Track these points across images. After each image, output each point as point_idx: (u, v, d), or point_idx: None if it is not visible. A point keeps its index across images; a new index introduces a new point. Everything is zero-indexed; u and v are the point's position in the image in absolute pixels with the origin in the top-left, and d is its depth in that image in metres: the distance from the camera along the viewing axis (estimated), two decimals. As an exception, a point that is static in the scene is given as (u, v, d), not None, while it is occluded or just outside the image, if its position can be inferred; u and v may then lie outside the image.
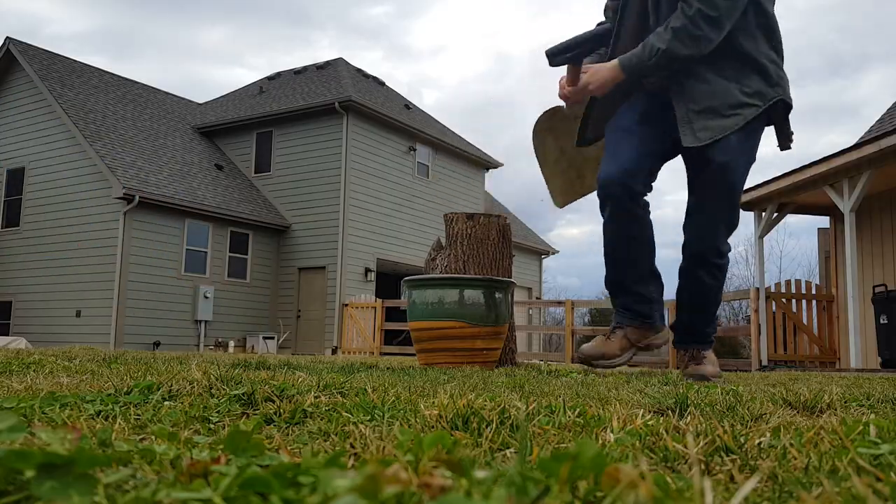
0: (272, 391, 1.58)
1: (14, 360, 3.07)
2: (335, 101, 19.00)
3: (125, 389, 1.57)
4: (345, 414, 1.39)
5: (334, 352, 17.68)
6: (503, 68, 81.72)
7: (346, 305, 17.78)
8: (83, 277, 16.82)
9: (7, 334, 17.03)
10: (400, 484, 0.46)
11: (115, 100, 20.03)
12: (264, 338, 18.30)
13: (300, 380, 1.94)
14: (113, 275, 16.30)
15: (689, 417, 1.81)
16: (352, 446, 1.01)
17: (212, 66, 77.90)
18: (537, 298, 26.53)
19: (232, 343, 17.97)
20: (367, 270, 19.38)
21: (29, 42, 19.53)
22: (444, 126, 23.94)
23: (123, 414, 1.28)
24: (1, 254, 18.55)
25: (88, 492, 0.49)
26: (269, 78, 24.29)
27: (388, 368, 4.17)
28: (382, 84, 24.18)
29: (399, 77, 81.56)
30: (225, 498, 0.50)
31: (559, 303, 16.12)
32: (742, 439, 1.33)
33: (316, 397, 1.58)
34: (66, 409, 1.30)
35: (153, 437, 0.96)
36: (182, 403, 1.43)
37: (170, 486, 0.52)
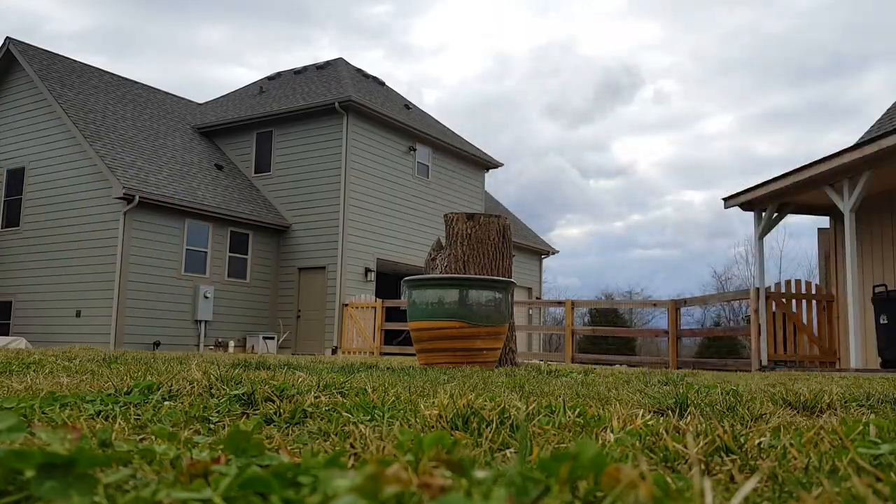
0: (272, 391, 1.58)
1: (14, 360, 3.07)
2: (335, 101, 19.00)
3: (125, 389, 1.57)
4: (345, 414, 1.39)
5: (334, 352, 17.68)
6: (503, 68, 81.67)
7: (346, 305, 17.78)
8: (83, 277, 16.82)
9: (7, 334, 17.02)
10: (400, 484, 0.46)
11: (115, 100, 20.03)
12: (264, 338, 18.30)
13: (300, 380, 1.94)
14: (113, 275, 16.29)
15: (689, 417, 1.81)
16: (352, 446, 1.01)
17: (212, 65, 77.86)
18: (537, 298, 26.52)
19: (232, 343, 17.96)
20: (367, 270, 19.38)
21: (28, 40, 19.52)
22: (444, 126, 23.94)
23: (123, 414, 1.28)
24: (1, 254, 18.55)
25: (88, 492, 0.49)
26: (269, 78, 24.29)
27: (388, 368, 4.18)
28: (382, 84, 24.18)
29: (399, 76, 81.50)
30: (225, 498, 0.50)
31: (559, 303, 16.12)
32: (742, 439, 1.34)
33: (316, 397, 1.58)
34: (66, 409, 1.30)
35: (153, 437, 0.96)
36: (182, 403, 1.43)
37: (170, 486, 0.52)
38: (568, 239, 65.61)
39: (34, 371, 2.47)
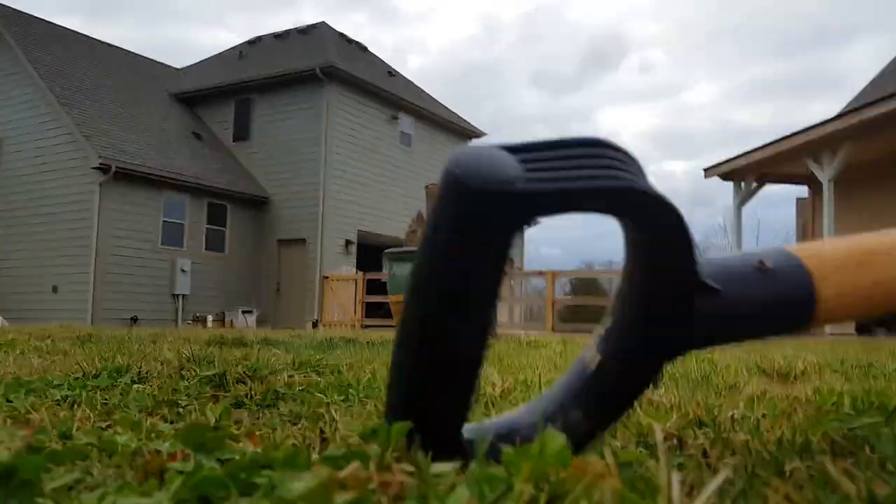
0: (244, 372, 1.56)
1: (-15, 340, 3.02)
2: (317, 67, 18.69)
3: (94, 373, 1.54)
4: (318, 395, 1.37)
5: (315, 325, 17.66)
6: (490, 34, 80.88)
7: (327, 278, 17.73)
8: (60, 251, 16.59)
9: (-17, 310, 16.81)
10: (355, 490, 0.44)
11: (93, 65, 19.52)
12: (243, 312, 18.20)
13: (274, 358, 1.92)
14: (89, 249, 16.08)
15: (663, 390, 1.82)
16: (322, 431, 1.00)
17: (191, 26, 76.34)
18: (519, 269, 26.61)
19: (210, 318, 17.86)
20: (349, 243, 19.29)
21: (4, 1, 18.90)
22: (429, 95, 23.70)
23: (90, 400, 1.25)
24: (-26, 228, 18.24)
25: (29, 499, 0.47)
26: (250, 42, 23.79)
27: (367, 343, 4.17)
28: (365, 50, 23.83)
29: (384, 41, 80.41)
30: (176, 501, 0.48)
31: (540, 273, 16.18)
32: (715, 411, 1.34)
33: (290, 377, 1.57)
34: (32, 395, 1.27)
35: (117, 426, 0.94)
36: (151, 387, 1.41)
37: (118, 490, 0.50)
38: (549, 208, 65.46)
39: (4, 352, 2.43)
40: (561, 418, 0.79)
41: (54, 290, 16.59)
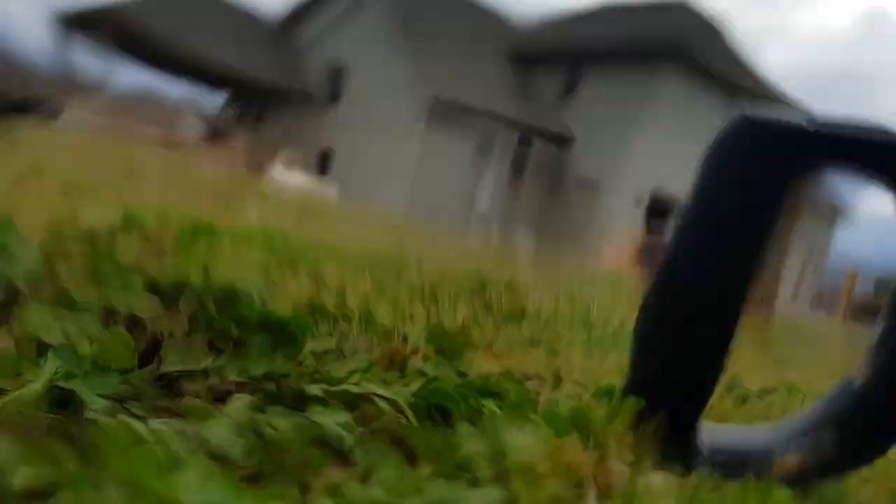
0: (502, 285, 1.63)
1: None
2: (660, 41, 18.04)
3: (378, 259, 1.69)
4: (560, 328, 1.38)
5: (590, 270, 17.75)
6: (874, 34, 69.70)
7: (610, 230, 17.62)
8: (385, 166, 18.53)
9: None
10: (558, 477, 0.43)
11: (434, 5, 20.99)
12: (526, 241, 19.01)
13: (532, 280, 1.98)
14: (411, 162, 17.96)
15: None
16: (557, 370, 1.00)
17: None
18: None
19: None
20: (638, 199, 18.92)
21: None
22: (783, 92, 21.24)
23: (374, 275, 1.38)
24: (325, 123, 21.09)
25: (293, 354, 0.53)
26: (596, 9, 23.27)
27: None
28: (721, 32, 21.77)
29: (748, 24, 73.38)
30: (412, 403, 0.52)
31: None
32: None
33: (539, 299, 1.60)
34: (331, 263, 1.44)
35: (382, 302, 1.04)
36: (420, 280, 1.53)
37: (365, 370, 0.55)
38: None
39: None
40: (809, 440, 0.70)
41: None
